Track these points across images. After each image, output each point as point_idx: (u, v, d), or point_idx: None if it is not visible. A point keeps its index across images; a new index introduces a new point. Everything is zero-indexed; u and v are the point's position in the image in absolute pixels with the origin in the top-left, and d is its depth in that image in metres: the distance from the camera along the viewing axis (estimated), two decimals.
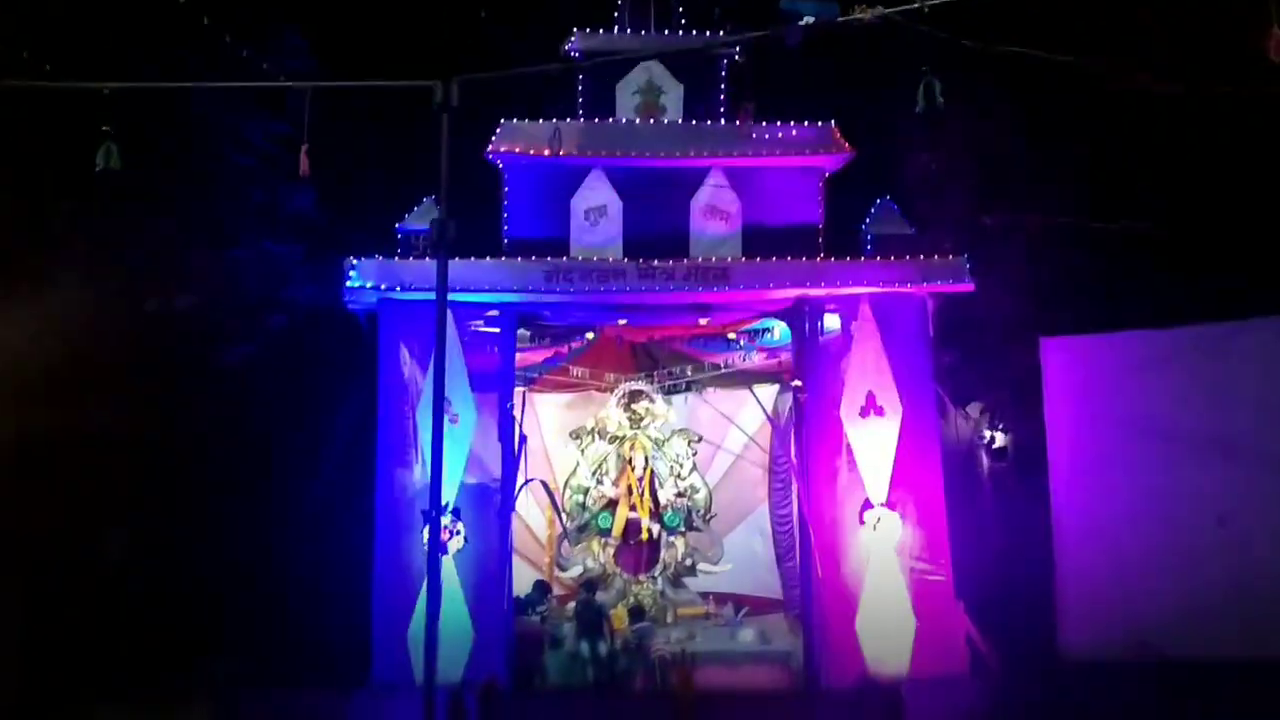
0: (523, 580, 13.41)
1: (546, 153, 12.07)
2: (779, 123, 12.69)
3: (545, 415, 14.80)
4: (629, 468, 13.96)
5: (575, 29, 12.89)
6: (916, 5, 6.83)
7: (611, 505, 13.93)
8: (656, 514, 13.85)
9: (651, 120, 12.87)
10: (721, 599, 13.84)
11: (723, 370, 13.74)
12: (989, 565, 13.18)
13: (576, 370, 13.86)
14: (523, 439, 13.05)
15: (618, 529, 13.79)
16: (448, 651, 10.07)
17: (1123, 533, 11.86)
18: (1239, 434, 11.55)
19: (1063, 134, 15.46)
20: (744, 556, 14.45)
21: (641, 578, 13.65)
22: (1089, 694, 10.63)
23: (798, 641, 12.25)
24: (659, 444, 14.09)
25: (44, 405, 12.43)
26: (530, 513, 14.27)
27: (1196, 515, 11.54)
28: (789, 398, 12.92)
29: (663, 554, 13.80)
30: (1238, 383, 11.74)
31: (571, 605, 12.70)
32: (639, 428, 14.01)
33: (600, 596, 12.95)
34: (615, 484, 14.00)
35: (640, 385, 14.02)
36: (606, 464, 14.09)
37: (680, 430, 14.25)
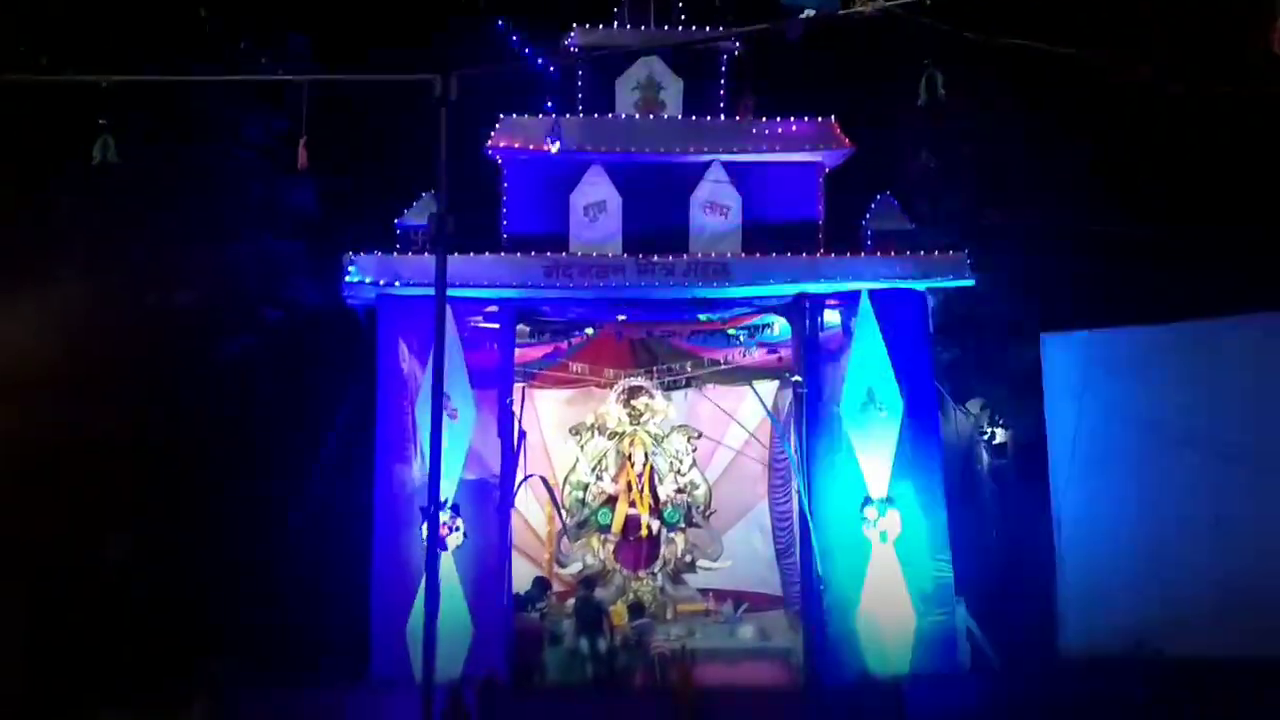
0: (522, 577, 13.39)
1: (548, 149, 12.02)
2: (779, 118, 12.66)
3: (545, 411, 14.78)
4: (629, 464, 13.94)
5: (575, 24, 12.86)
6: None
7: (611, 501, 13.91)
8: (656, 510, 13.83)
9: (651, 115, 12.83)
10: (721, 595, 13.83)
11: (722, 366, 13.71)
12: (989, 562, 13.18)
13: (576, 366, 13.85)
14: (522, 435, 13.02)
15: (617, 525, 13.78)
16: (447, 648, 10.05)
17: (1123, 529, 11.86)
18: (1236, 429, 11.55)
19: (1063, 131, 15.45)
20: (744, 553, 14.44)
21: (641, 574, 13.63)
22: (1088, 691, 10.62)
23: (797, 638, 12.23)
24: (659, 440, 14.07)
25: (43, 403, 12.41)
26: (530, 509, 14.25)
27: (1195, 512, 11.53)
28: (789, 393, 12.89)
29: (662, 550, 13.78)
30: (1236, 378, 11.73)
31: (571, 602, 12.68)
32: (639, 424, 13.99)
33: (600, 593, 12.94)
34: (615, 480, 13.98)
35: (640, 381, 13.99)
36: (606, 460, 14.07)
37: (680, 426, 14.23)
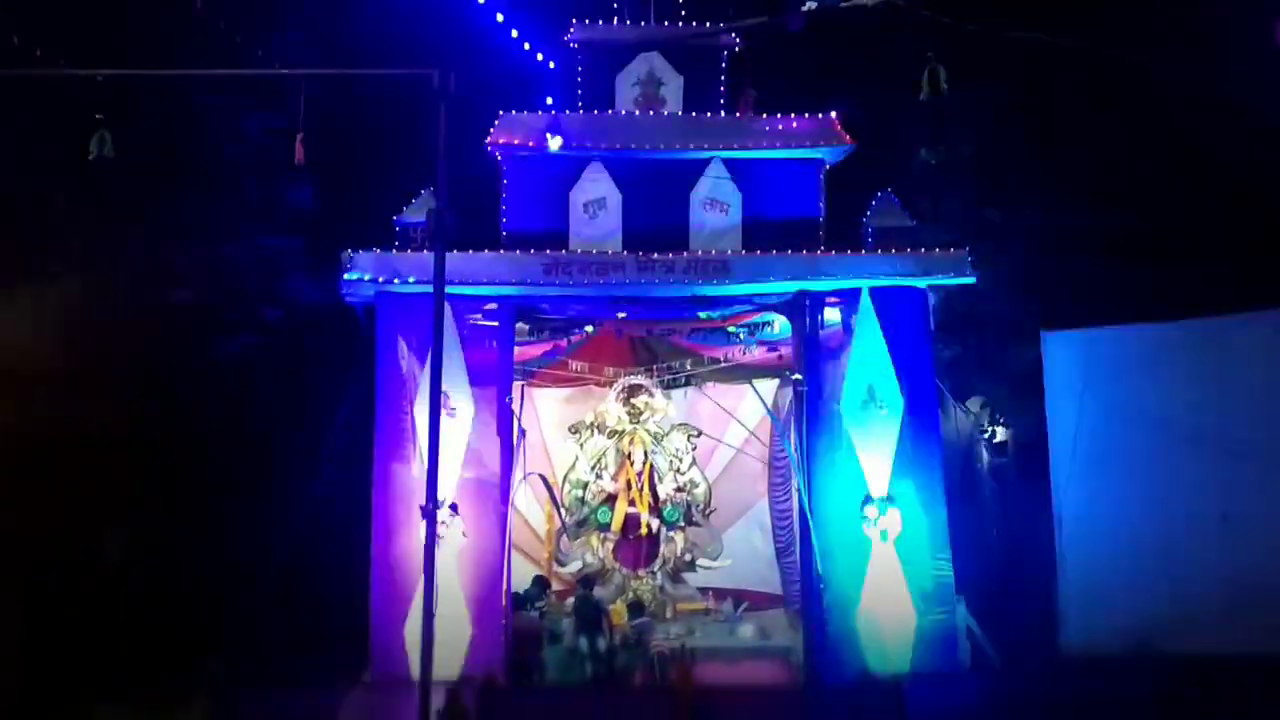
0: (522, 576, 13.35)
1: (549, 145, 11.99)
2: (779, 115, 12.60)
3: (544, 409, 14.73)
4: (628, 462, 13.89)
5: (574, 19, 12.81)
6: None
7: (610, 500, 13.86)
8: (656, 509, 13.79)
9: (651, 112, 12.78)
10: (721, 594, 13.79)
11: (722, 364, 13.66)
12: (989, 560, 13.15)
13: (575, 364, 13.79)
14: (522, 433, 12.97)
15: (617, 524, 13.73)
16: (446, 647, 10.04)
17: (1124, 527, 11.83)
18: (1240, 428, 11.52)
19: (1065, 128, 15.43)
20: (743, 551, 14.40)
21: (641, 573, 13.59)
22: (1089, 689, 10.57)
23: (797, 637, 12.18)
24: (658, 439, 14.02)
25: (41, 399, 12.38)
26: (529, 508, 14.21)
27: (1198, 510, 11.50)
28: (789, 392, 12.83)
29: (662, 549, 13.74)
30: (1239, 376, 11.70)
31: (570, 600, 12.64)
32: (638, 422, 13.94)
33: (599, 592, 12.90)
34: (614, 479, 13.93)
35: (639, 379, 13.94)
36: (605, 459, 14.02)
37: (680, 425, 14.18)
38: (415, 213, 12.00)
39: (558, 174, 12.47)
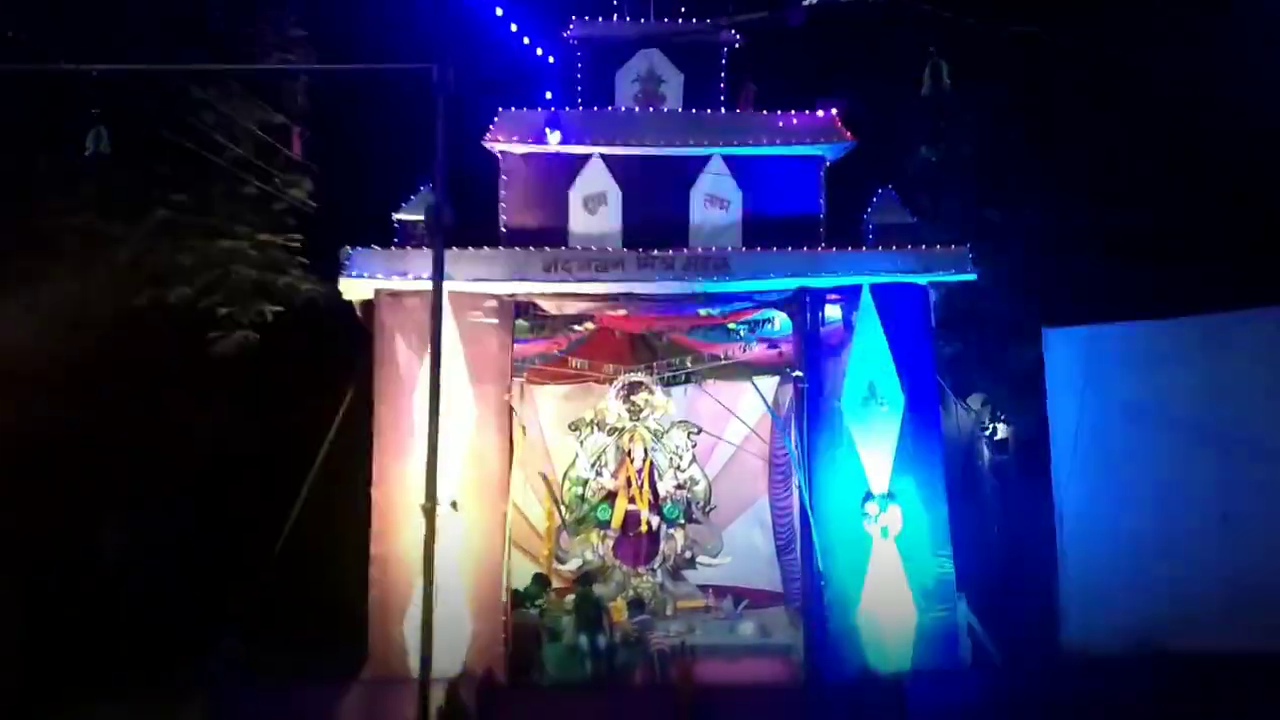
0: (521, 573, 13.32)
1: (549, 140, 11.96)
2: (780, 111, 12.56)
3: (544, 407, 14.70)
4: (628, 460, 13.86)
5: (574, 15, 12.77)
6: None
7: (610, 497, 13.83)
8: (656, 506, 13.75)
9: (651, 109, 12.75)
10: (721, 592, 13.76)
11: (723, 361, 13.63)
12: (991, 558, 13.13)
13: (575, 361, 13.75)
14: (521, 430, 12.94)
15: (617, 521, 13.70)
16: (445, 645, 10.00)
17: (1125, 525, 11.80)
18: (1243, 426, 11.49)
19: (1065, 126, 15.42)
20: (744, 549, 14.37)
21: (641, 570, 13.55)
22: (1091, 687, 10.55)
23: (798, 634, 12.15)
24: (658, 436, 13.99)
25: (38, 399, 12.36)
26: (529, 505, 14.17)
27: (1200, 508, 11.47)
28: (789, 389, 12.81)
29: (662, 546, 13.70)
30: (1242, 374, 11.67)
31: (570, 598, 12.61)
32: (638, 419, 13.91)
33: (599, 589, 12.86)
34: (614, 476, 13.90)
35: (639, 377, 13.91)
36: (605, 456, 13.99)
37: (680, 422, 14.15)
38: (414, 209, 11.97)
39: (557, 171, 12.43)
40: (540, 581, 13.56)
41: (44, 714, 11.51)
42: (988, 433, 14.91)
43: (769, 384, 14.01)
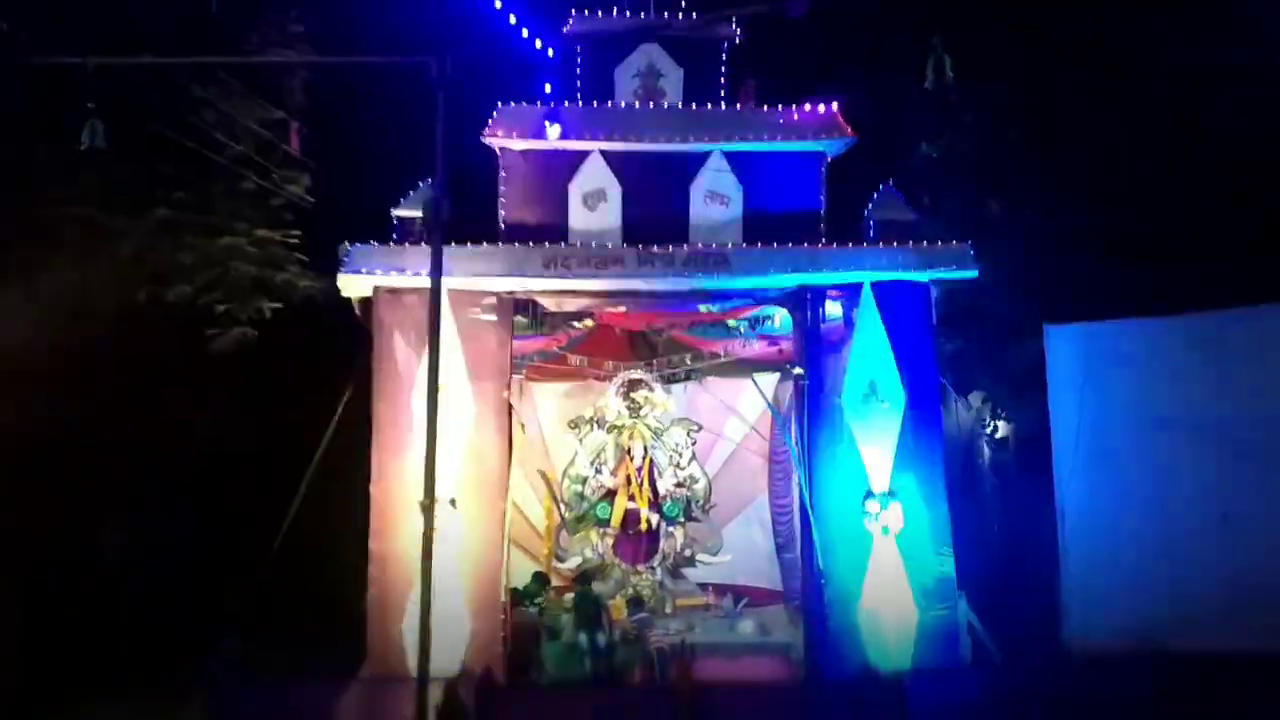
0: (520, 571, 13.28)
1: (548, 136, 11.90)
2: (780, 107, 12.52)
3: (543, 404, 14.65)
4: (627, 457, 13.81)
5: (573, 11, 12.72)
6: None
7: (610, 495, 13.79)
8: (655, 504, 13.71)
9: (651, 104, 12.70)
10: (721, 590, 13.72)
11: (723, 359, 13.58)
12: (992, 556, 13.09)
13: (575, 359, 13.71)
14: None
15: (616, 519, 13.65)
16: (444, 643, 9.96)
17: (1126, 523, 11.76)
18: (1244, 424, 11.44)
19: (1066, 125, 15.38)
20: (744, 547, 14.33)
21: (640, 568, 13.52)
22: (1092, 686, 10.53)
23: (798, 632, 12.12)
24: (658, 433, 13.94)
25: (37, 395, 12.32)
26: (528, 503, 14.13)
27: (1200, 506, 11.43)
28: (789, 386, 12.77)
29: (661, 544, 13.67)
30: (1243, 372, 11.63)
31: (569, 596, 12.57)
32: (638, 417, 13.86)
33: (598, 587, 12.82)
34: (614, 474, 13.86)
35: (639, 374, 13.87)
36: (605, 453, 13.94)
37: (679, 419, 14.10)
38: (413, 205, 11.93)
39: (556, 167, 12.38)
40: (539, 580, 13.52)
41: (44, 713, 11.48)
42: (988, 430, 14.88)
43: (769, 381, 13.97)
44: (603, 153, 12.36)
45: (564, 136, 12.16)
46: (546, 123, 11.80)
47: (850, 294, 11.86)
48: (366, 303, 11.89)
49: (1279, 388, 11.41)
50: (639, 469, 13.78)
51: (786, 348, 12.93)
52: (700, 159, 12.41)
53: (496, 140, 12.44)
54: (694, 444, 14.07)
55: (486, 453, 11.62)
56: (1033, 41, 14.79)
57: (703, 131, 12.42)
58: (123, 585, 13.25)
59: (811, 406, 11.83)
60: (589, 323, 12.95)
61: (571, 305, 12.34)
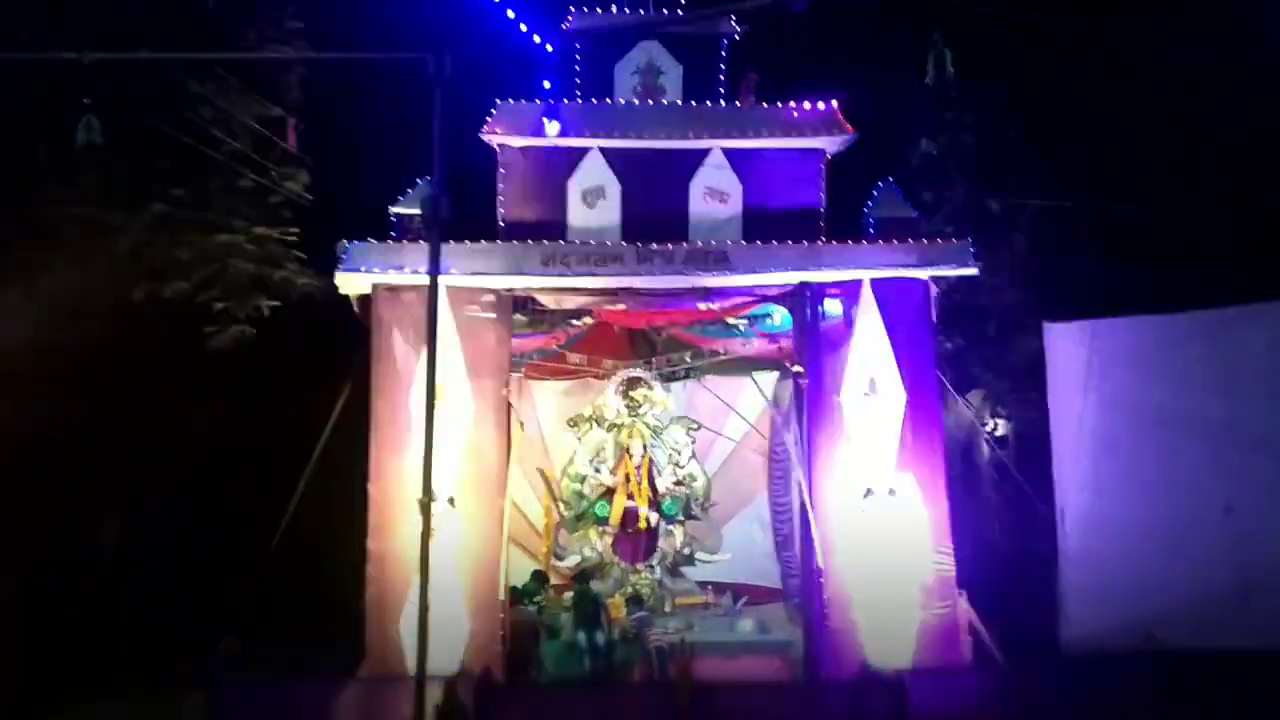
0: (519, 570, 13.25)
1: (547, 132, 11.87)
2: (780, 104, 12.48)
3: (542, 402, 14.62)
4: (627, 456, 13.77)
5: (572, 7, 12.68)
6: None
7: (609, 494, 13.74)
8: (654, 503, 13.67)
9: (651, 101, 12.66)
10: (720, 588, 13.68)
11: (722, 357, 13.55)
12: (991, 554, 13.07)
13: (574, 357, 13.67)
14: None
15: (615, 518, 13.62)
16: (442, 642, 9.93)
17: (1126, 520, 11.75)
18: (1245, 420, 11.43)
19: (1067, 121, 15.37)
20: (743, 545, 14.29)
21: (639, 567, 13.48)
22: (1092, 684, 10.51)
23: (797, 631, 12.10)
24: (657, 432, 13.91)
25: (35, 393, 12.29)
26: (527, 502, 14.10)
27: (1202, 503, 11.42)
28: (789, 384, 12.73)
29: (661, 543, 13.63)
30: (1243, 368, 11.62)
31: (568, 595, 12.54)
32: (637, 415, 13.83)
33: (597, 586, 12.79)
34: (613, 472, 13.82)
35: (638, 372, 13.83)
36: (604, 452, 13.90)
37: (679, 418, 14.06)
38: (411, 203, 11.88)
39: (556, 164, 12.35)
40: (538, 578, 13.48)
41: (44, 712, 11.45)
42: (988, 428, 14.85)
43: (769, 379, 13.93)
44: (602, 150, 12.32)
45: (563, 134, 12.12)
46: (545, 120, 11.77)
47: (850, 291, 11.82)
48: (365, 300, 11.85)
49: (1278, 383, 11.39)
50: (638, 467, 13.74)
51: (786, 345, 12.88)
52: (700, 156, 12.37)
53: (495, 137, 12.40)
54: (693, 442, 14.04)
55: (485, 451, 11.58)
56: (1033, 41, 14.78)
57: (702, 128, 12.38)
58: (121, 583, 13.22)
59: (811, 404, 11.79)
60: (588, 321, 12.91)
61: (570, 303, 12.30)
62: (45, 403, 12.47)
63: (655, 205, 12.24)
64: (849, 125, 12.41)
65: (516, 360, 12.67)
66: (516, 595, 12.76)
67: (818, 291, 11.90)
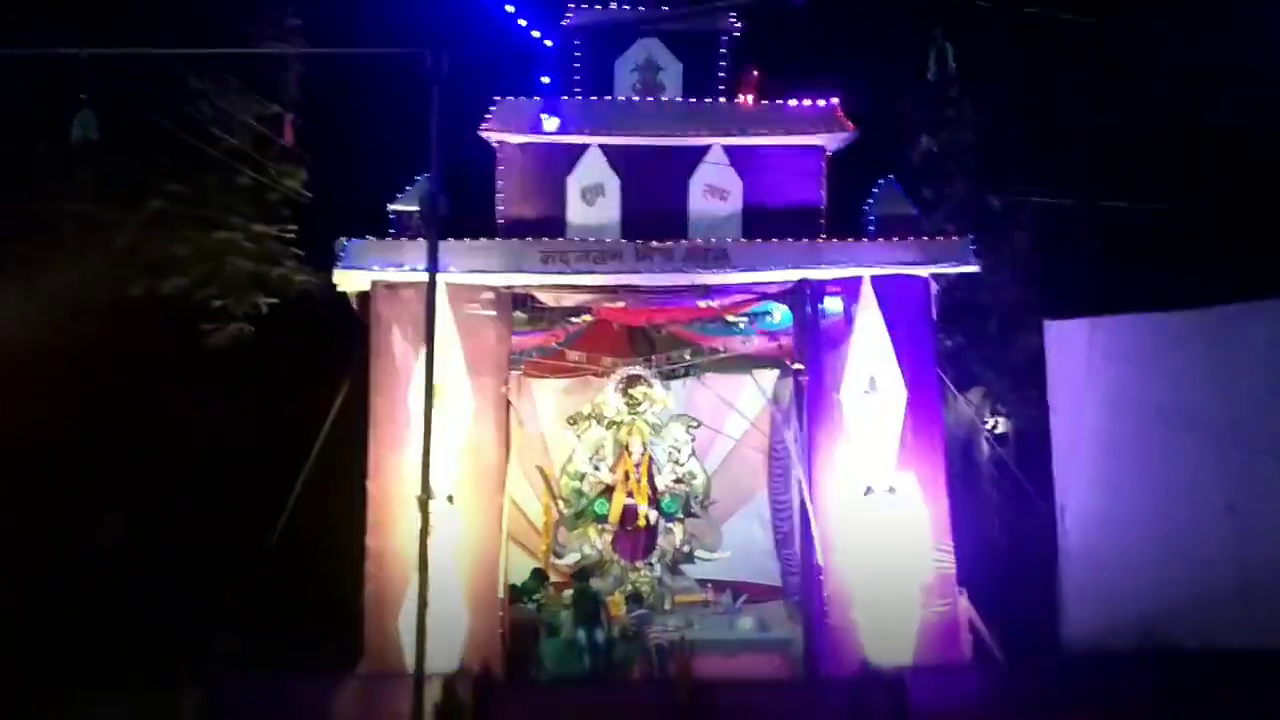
0: (519, 568, 13.23)
1: (546, 127, 11.83)
2: (780, 101, 12.45)
3: (542, 400, 14.58)
4: (626, 454, 13.74)
5: (572, 3, 12.65)
6: None
7: (608, 491, 13.71)
8: (654, 500, 13.65)
9: (650, 98, 12.63)
10: (720, 586, 13.65)
11: (722, 354, 13.52)
12: (991, 552, 13.05)
13: (573, 354, 13.64)
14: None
15: (614, 515, 13.59)
16: (442, 640, 9.92)
17: (1127, 519, 11.74)
18: (1247, 418, 11.42)
19: (1069, 114, 15.34)
20: (743, 543, 14.26)
21: (639, 565, 13.45)
22: (1093, 682, 10.49)
23: (797, 629, 12.08)
24: (657, 429, 13.88)
25: (31, 392, 12.27)
26: (527, 499, 14.07)
27: (1203, 501, 11.41)
28: (789, 382, 12.70)
29: (660, 541, 13.60)
30: (1246, 366, 11.60)
31: (568, 593, 12.52)
32: (637, 413, 13.79)
33: (597, 584, 12.77)
34: (612, 470, 13.79)
35: (638, 370, 13.80)
36: (603, 450, 13.87)
37: (678, 415, 14.04)
38: (410, 200, 11.87)
39: (555, 161, 12.33)
40: (538, 576, 13.45)
41: (43, 711, 11.43)
42: (988, 426, 14.83)
43: (769, 377, 13.91)
44: (601, 147, 12.30)
45: (563, 130, 12.08)
46: (544, 115, 11.73)
47: (850, 289, 11.79)
48: (364, 298, 11.83)
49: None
50: (637, 465, 13.70)
51: (786, 343, 12.86)
52: (700, 153, 12.34)
53: (494, 134, 12.38)
54: (693, 440, 14.01)
55: (485, 448, 11.55)
56: (1033, 39, 14.76)
57: (702, 125, 12.36)
58: (120, 581, 13.20)
59: (811, 402, 11.77)
60: (587, 318, 12.89)
61: (570, 300, 12.27)
62: (43, 400, 12.44)
63: (655, 202, 12.22)
64: (849, 122, 12.39)
65: (516, 358, 12.64)
66: (516, 593, 12.74)
67: (818, 289, 11.88)
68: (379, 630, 11.04)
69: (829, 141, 12.47)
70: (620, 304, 12.45)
